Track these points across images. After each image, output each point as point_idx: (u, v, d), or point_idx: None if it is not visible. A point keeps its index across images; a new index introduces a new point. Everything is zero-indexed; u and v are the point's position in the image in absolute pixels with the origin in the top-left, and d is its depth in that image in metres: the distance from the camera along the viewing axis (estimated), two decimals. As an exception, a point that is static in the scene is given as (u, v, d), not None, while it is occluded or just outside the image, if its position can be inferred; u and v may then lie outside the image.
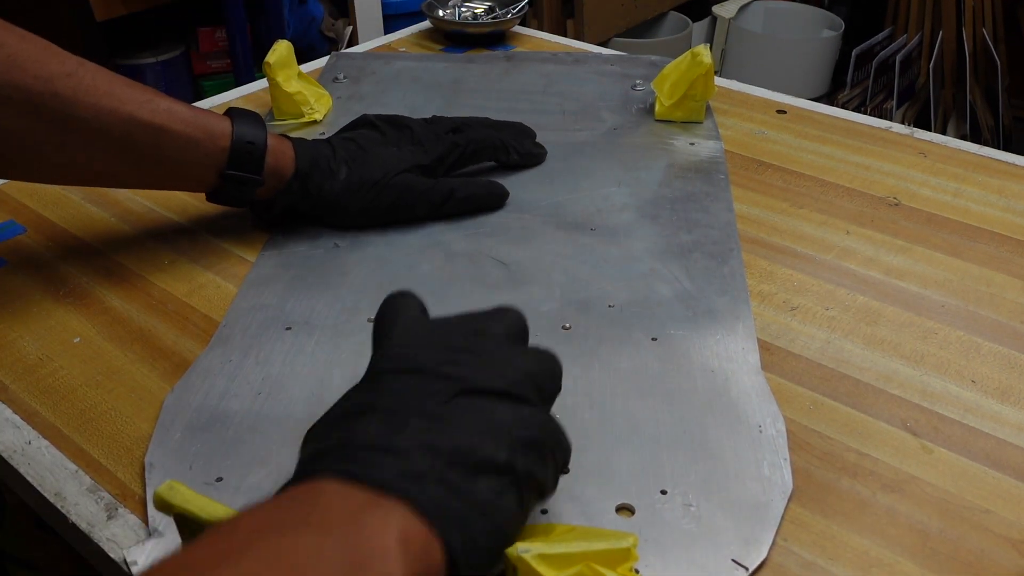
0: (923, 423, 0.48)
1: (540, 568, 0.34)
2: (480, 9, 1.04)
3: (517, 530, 0.35)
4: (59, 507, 0.43)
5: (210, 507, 0.35)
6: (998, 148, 0.79)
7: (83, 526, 0.42)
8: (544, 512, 0.42)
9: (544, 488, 0.36)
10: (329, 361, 0.52)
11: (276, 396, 0.49)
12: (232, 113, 0.59)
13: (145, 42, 1.82)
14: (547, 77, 0.88)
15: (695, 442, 0.46)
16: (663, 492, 0.43)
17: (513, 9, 1.01)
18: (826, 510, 0.43)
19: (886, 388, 0.50)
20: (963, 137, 2.24)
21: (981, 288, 0.59)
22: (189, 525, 0.36)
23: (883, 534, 0.42)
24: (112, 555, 0.41)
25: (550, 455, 0.36)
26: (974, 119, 2.31)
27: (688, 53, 0.76)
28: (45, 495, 0.44)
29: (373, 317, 0.42)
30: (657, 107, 0.79)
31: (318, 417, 0.36)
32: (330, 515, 0.30)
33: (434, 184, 0.63)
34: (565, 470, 0.39)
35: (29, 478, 0.45)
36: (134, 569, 0.40)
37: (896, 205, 0.68)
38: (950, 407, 0.49)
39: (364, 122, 0.66)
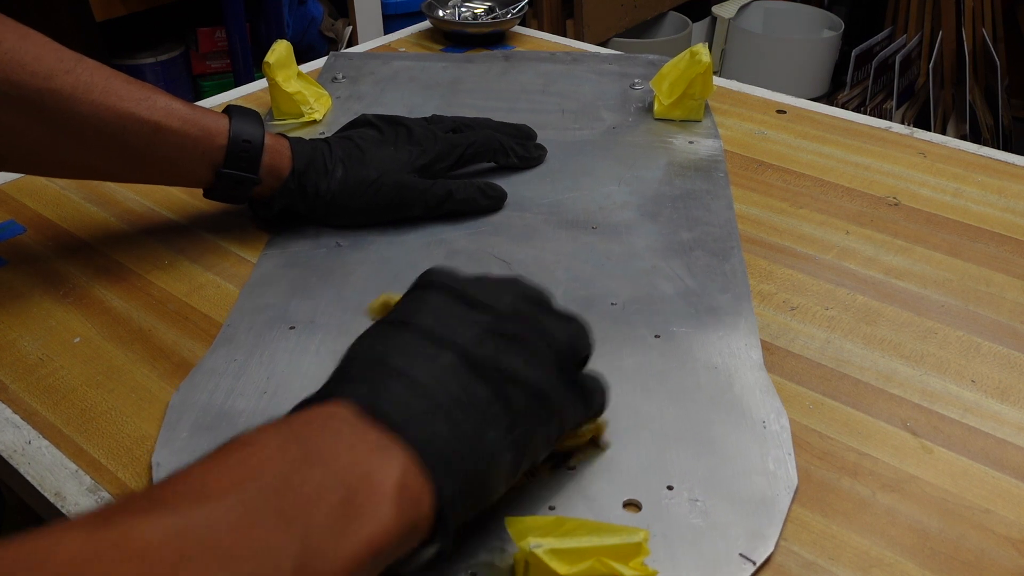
0: (923, 423, 0.48)
1: (552, 563, 0.35)
2: (480, 9, 1.04)
3: (504, 488, 0.37)
4: (59, 507, 0.43)
5: None
6: (998, 148, 0.80)
7: (84, 526, 0.42)
8: (552, 508, 0.42)
9: (538, 449, 0.38)
10: (334, 360, 0.51)
11: (281, 395, 0.49)
12: (230, 111, 0.59)
13: (144, 42, 1.82)
14: (546, 77, 0.88)
15: (700, 438, 0.46)
16: (669, 488, 0.43)
17: (513, 9, 1.01)
18: (826, 510, 0.43)
19: (886, 388, 0.50)
20: (963, 137, 2.24)
21: (981, 288, 0.59)
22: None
23: (883, 534, 0.42)
24: (113, 555, 0.41)
25: (556, 418, 0.38)
26: (974, 119, 2.31)
27: (686, 52, 0.76)
28: (45, 495, 0.44)
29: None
30: (656, 106, 0.79)
31: None
32: (338, 449, 0.32)
33: (431, 185, 0.63)
34: (576, 426, 0.42)
35: (29, 478, 0.45)
36: None
37: (896, 205, 0.68)
38: (950, 407, 0.49)
39: (363, 122, 0.66)
